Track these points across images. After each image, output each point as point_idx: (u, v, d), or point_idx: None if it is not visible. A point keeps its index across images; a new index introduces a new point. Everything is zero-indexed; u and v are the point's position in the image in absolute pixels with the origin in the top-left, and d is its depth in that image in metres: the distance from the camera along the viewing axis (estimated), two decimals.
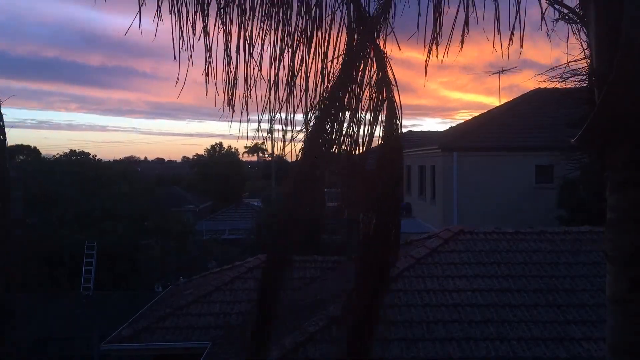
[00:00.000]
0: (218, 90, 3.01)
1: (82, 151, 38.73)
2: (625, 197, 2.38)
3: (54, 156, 35.79)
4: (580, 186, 15.90)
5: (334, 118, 2.83)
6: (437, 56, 2.85)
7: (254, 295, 10.70)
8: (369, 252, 2.78)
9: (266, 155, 61.68)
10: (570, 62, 3.28)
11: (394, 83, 2.82)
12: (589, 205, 13.73)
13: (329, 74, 2.93)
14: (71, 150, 37.84)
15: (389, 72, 2.83)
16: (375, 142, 2.92)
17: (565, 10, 2.90)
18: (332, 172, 2.93)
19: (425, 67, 2.86)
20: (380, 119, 2.82)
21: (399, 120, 2.82)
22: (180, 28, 2.91)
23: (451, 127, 29.54)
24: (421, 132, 32.91)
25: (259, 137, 3.00)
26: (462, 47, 2.84)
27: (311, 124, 2.89)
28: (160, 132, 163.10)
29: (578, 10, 2.83)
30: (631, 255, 2.35)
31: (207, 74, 2.99)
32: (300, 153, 2.89)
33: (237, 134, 2.99)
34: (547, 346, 6.88)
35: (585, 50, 3.02)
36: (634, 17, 2.18)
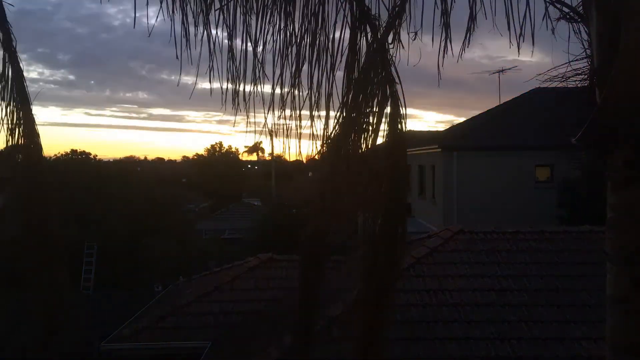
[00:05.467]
0: (222, 89, 3.03)
1: (83, 151, 38.77)
2: (626, 197, 2.38)
3: (54, 155, 35.82)
4: (580, 186, 15.90)
5: (357, 120, 2.84)
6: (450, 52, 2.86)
7: (255, 295, 10.71)
8: (376, 252, 2.78)
9: (266, 155, 61.75)
10: (571, 61, 3.29)
11: (397, 80, 2.83)
12: (589, 205, 13.74)
13: (333, 72, 2.94)
14: (72, 150, 37.88)
15: (393, 69, 2.83)
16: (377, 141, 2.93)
17: (566, 10, 2.90)
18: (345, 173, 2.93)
19: (438, 68, 2.88)
20: (384, 116, 2.83)
21: (403, 118, 2.82)
22: (184, 26, 2.91)
23: (451, 127, 29.55)
24: (421, 131, 32.93)
25: (265, 132, 3.03)
26: (468, 44, 2.86)
27: (333, 127, 2.90)
28: (161, 128, 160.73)
29: (579, 9, 2.84)
30: (631, 255, 2.36)
31: (211, 70, 2.99)
32: (322, 153, 2.90)
33: (239, 133, 3.00)
34: (547, 346, 6.89)
35: (587, 50, 3.02)
36: (634, 17, 2.19)
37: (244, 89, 3.05)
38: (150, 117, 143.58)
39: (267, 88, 3.06)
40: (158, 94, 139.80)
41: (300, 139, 3.00)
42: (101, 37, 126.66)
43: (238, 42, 3.00)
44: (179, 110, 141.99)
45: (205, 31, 2.95)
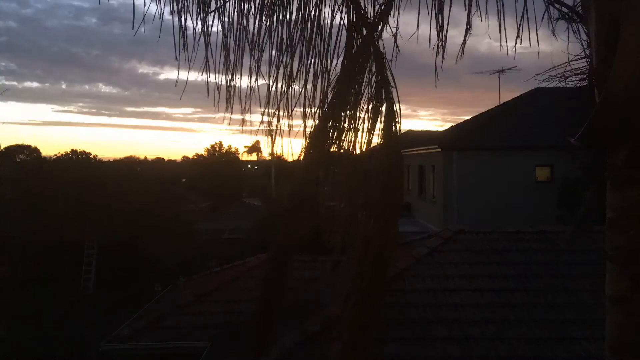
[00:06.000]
0: (217, 88, 3.04)
1: (83, 151, 38.80)
2: (625, 197, 2.38)
3: (54, 155, 35.84)
4: (580, 186, 15.90)
5: (336, 119, 2.84)
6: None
7: (255, 294, 10.71)
8: (366, 254, 2.78)
9: (266, 155, 61.77)
10: (570, 61, 3.28)
11: (393, 84, 2.84)
12: (589, 205, 13.71)
13: (329, 74, 2.95)
14: (72, 150, 37.90)
15: (388, 73, 2.84)
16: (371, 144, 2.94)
17: (566, 10, 2.90)
18: (333, 173, 2.94)
19: (435, 68, 2.89)
20: (379, 120, 2.84)
21: (398, 122, 2.83)
22: (181, 27, 2.92)
23: (451, 127, 29.55)
24: (421, 131, 32.95)
25: (260, 130, 3.04)
26: (463, 48, 2.87)
27: (314, 124, 2.92)
28: (160, 127, 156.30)
29: (578, 9, 2.84)
30: (631, 255, 2.36)
31: (206, 71, 3.01)
32: (302, 152, 2.92)
33: (234, 132, 3.03)
34: (547, 346, 6.89)
35: (586, 50, 3.03)
36: (633, 17, 2.19)
37: (240, 87, 3.07)
38: (122, 113, 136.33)
39: (262, 89, 3.08)
40: (120, 86, 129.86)
41: (306, 138, 3.02)
42: (22, 13, 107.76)
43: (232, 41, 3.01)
44: (151, 106, 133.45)
45: (202, 32, 2.96)
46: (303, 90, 2.99)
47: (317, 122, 2.93)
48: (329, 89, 2.96)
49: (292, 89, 3.00)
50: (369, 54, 2.81)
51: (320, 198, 2.99)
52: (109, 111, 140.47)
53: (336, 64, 2.94)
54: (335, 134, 2.85)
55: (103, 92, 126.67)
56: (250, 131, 3.08)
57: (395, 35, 2.86)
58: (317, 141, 2.86)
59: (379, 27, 2.86)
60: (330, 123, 2.85)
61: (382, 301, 2.88)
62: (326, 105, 2.90)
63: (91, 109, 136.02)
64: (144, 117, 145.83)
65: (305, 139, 2.95)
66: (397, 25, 2.85)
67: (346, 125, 2.85)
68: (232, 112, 3.09)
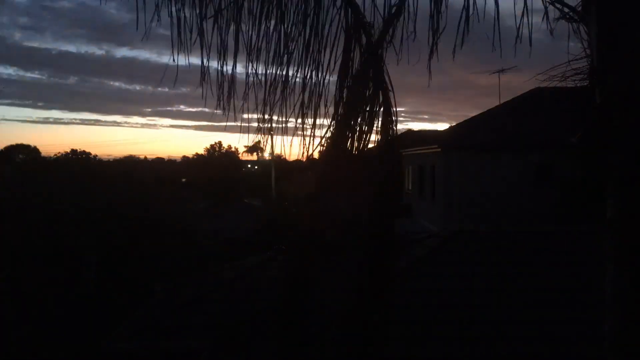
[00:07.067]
0: (213, 93, 3.05)
1: (83, 151, 38.82)
2: (625, 197, 2.38)
3: (54, 155, 35.86)
4: (580, 186, 15.91)
5: (353, 122, 2.85)
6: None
7: (255, 295, 10.69)
8: (366, 254, 2.79)
9: (266, 155, 61.80)
10: (571, 60, 3.27)
11: (390, 88, 2.85)
12: (589, 205, 13.74)
13: (323, 78, 2.96)
14: (72, 150, 37.92)
15: (386, 77, 2.85)
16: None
17: (566, 10, 2.90)
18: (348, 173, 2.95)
19: (429, 66, 2.88)
20: (376, 123, 2.86)
21: (394, 125, 2.84)
22: (179, 31, 2.93)
23: (451, 127, 29.55)
24: (421, 131, 32.93)
25: (257, 129, 3.05)
26: (462, 46, 2.87)
27: (331, 127, 2.93)
28: (161, 126, 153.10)
29: (579, 9, 2.83)
30: (631, 255, 2.36)
31: (202, 75, 3.01)
32: (323, 154, 2.93)
33: (232, 134, 3.04)
34: (547, 346, 6.88)
35: (586, 50, 3.02)
36: (633, 17, 2.19)
37: (235, 90, 3.08)
38: (68, 106, 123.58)
39: (260, 94, 3.09)
40: (42, 69, 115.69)
41: (321, 139, 3.02)
42: None
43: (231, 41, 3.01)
44: (96, 98, 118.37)
45: (199, 37, 2.96)
46: (300, 92, 2.99)
47: (333, 124, 2.92)
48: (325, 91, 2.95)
49: (287, 90, 3.00)
50: (370, 64, 2.82)
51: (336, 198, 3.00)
52: (47, 102, 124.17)
53: (334, 68, 2.94)
54: (347, 137, 2.86)
55: (40, 82, 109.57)
56: (241, 129, 3.09)
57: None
58: (338, 142, 2.87)
59: (382, 47, 2.85)
60: (346, 126, 2.85)
61: (386, 300, 2.88)
62: (340, 109, 2.91)
63: (24, 100, 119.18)
64: (94, 112, 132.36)
65: (321, 139, 2.96)
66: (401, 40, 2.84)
67: (352, 129, 2.86)
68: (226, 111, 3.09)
